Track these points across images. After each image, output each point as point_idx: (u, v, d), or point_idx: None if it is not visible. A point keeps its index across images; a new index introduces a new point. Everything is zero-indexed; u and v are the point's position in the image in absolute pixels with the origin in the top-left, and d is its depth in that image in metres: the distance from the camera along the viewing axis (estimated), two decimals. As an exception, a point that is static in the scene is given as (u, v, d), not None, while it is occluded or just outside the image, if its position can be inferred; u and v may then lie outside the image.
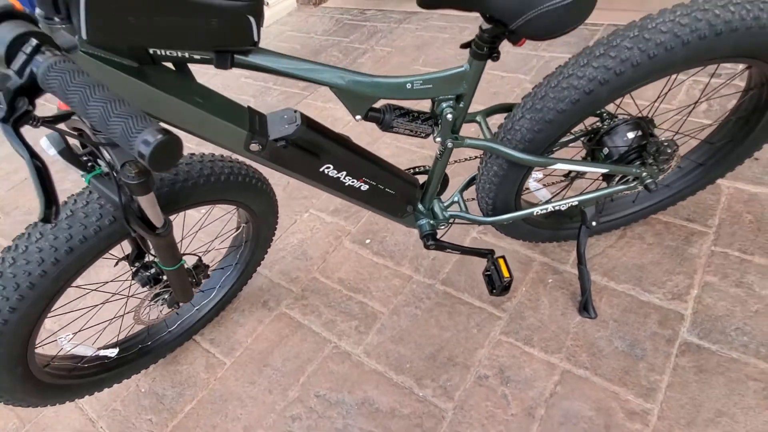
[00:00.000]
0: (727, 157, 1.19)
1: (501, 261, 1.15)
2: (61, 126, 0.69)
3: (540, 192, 1.24)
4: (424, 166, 1.16)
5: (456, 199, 1.18)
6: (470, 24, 2.65)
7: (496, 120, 1.78)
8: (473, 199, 1.25)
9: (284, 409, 1.21)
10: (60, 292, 0.84)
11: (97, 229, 0.81)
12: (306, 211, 1.75)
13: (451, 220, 1.17)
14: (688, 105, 1.33)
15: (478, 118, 0.99)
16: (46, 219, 0.49)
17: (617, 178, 1.11)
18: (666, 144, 1.00)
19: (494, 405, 1.13)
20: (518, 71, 2.18)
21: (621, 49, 0.82)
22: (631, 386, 1.10)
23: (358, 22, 2.99)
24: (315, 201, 1.78)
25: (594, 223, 1.16)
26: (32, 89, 0.45)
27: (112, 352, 1.18)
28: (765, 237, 1.32)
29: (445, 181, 1.16)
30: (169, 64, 0.70)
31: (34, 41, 0.43)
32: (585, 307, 1.24)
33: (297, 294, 1.47)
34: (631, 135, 1.02)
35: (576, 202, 1.11)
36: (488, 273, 1.19)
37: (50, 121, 0.61)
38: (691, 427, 1.02)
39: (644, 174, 1.05)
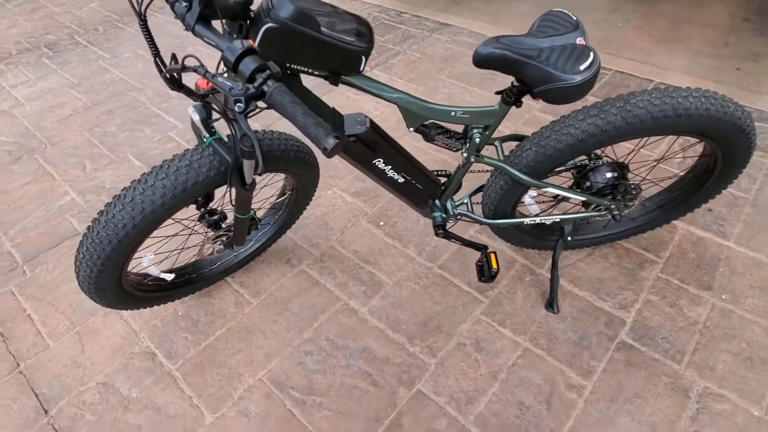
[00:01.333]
0: (682, 204, 1.50)
1: (492, 255, 1.45)
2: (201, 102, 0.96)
3: (532, 206, 1.54)
4: (445, 171, 1.44)
5: (465, 201, 1.47)
6: (495, 46, 2.92)
7: (508, 145, 2.08)
8: (479, 203, 1.54)
9: (299, 345, 1.49)
10: (164, 220, 1.11)
11: (205, 177, 1.07)
12: (330, 189, 2.02)
13: (458, 217, 1.45)
14: (656, 160, 1.64)
15: (496, 143, 1.28)
16: (256, 175, 0.77)
17: (592, 206, 1.41)
18: (632, 187, 1.30)
19: (467, 366, 1.43)
20: (531, 101, 2.46)
21: (609, 114, 1.11)
22: (575, 367, 1.41)
23: (394, 24, 3.23)
24: (339, 181, 2.05)
25: (570, 238, 1.47)
26: (257, 97, 0.72)
27: (169, 276, 1.45)
28: (701, 272, 1.65)
29: (458, 186, 1.45)
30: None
31: (269, 71, 0.69)
32: (551, 304, 1.54)
33: (316, 257, 1.75)
34: (609, 175, 1.32)
35: (558, 219, 1.41)
36: (480, 264, 1.49)
37: (202, 96, 0.89)
38: (613, 402, 1.33)
39: (613, 207, 1.36)
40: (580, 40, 0.95)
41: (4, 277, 1.72)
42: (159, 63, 0.80)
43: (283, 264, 1.73)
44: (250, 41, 0.70)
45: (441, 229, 1.40)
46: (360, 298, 1.62)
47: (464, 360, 1.44)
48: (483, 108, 1.11)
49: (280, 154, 1.21)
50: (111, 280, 1.16)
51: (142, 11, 0.75)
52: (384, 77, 2.69)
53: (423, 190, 1.31)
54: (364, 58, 0.89)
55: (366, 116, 1.09)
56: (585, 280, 1.64)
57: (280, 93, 0.68)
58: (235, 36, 0.84)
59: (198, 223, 1.37)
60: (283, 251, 1.78)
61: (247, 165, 1.04)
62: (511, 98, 1.06)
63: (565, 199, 1.51)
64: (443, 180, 1.40)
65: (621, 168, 1.34)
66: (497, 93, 1.09)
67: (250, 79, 0.69)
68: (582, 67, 0.91)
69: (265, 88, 0.69)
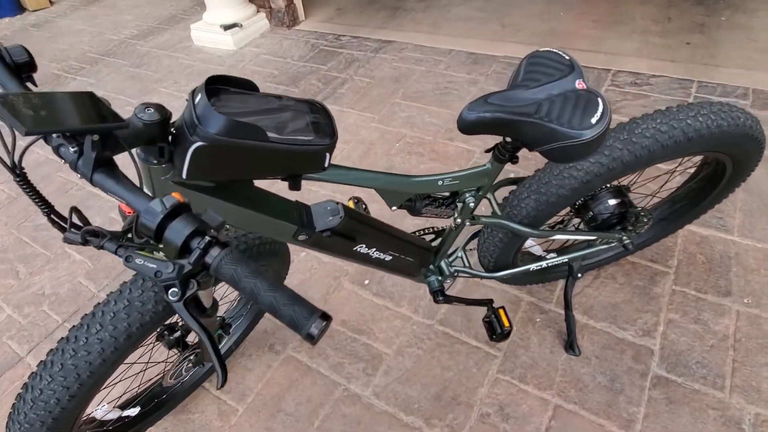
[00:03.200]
0: (688, 213, 1.39)
1: (501, 311, 1.28)
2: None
3: (534, 248, 1.39)
4: (433, 228, 1.27)
5: (460, 254, 1.30)
6: (443, 57, 2.79)
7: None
8: (472, 249, 1.38)
9: (303, 454, 1.28)
10: (113, 371, 0.88)
11: (153, 314, 0.86)
12: (302, 251, 1.81)
13: (456, 275, 1.28)
14: (666, 172, 1.51)
15: (488, 195, 1.12)
16: (222, 385, 0.59)
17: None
18: (642, 213, 1.17)
19: (498, 441, 1.26)
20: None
21: (613, 149, 0.96)
22: (614, 418, 1.26)
23: (334, 49, 3.05)
24: (310, 240, 1.85)
25: (580, 275, 1.32)
26: (198, 273, 0.52)
27: (134, 411, 1.21)
28: (715, 277, 1.54)
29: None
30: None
31: (207, 238, 0.50)
32: (570, 346, 1.40)
33: (302, 337, 1.54)
34: (612, 202, 1.18)
35: (566, 260, 1.26)
36: (488, 320, 1.32)
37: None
38: (665, 454, 1.19)
39: (624, 237, 1.22)
40: (580, 84, 0.80)
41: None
42: (56, 221, 0.59)
43: (266, 352, 1.52)
44: (176, 195, 0.51)
45: (440, 295, 1.22)
46: (360, 378, 1.42)
47: (492, 434, 1.27)
48: (474, 170, 0.94)
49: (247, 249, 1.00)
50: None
51: (17, 163, 0.53)
52: (335, 108, 2.50)
53: (414, 262, 1.13)
54: (328, 155, 0.71)
55: (338, 204, 0.90)
56: (599, 309, 1.50)
57: (231, 263, 0.49)
58: (155, 162, 0.64)
59: (157, 344, 1.15)
60: (264, 336, 1.56)
61: (203, 293, 0.84)
62: (505, 155, 0.90)
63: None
64: (435, 242, 1.22)
65: (622, 192, 1.20)
66: (487, 151, 0.93)
67: (184, 249, 0.50)
68: (593, 120, 0.75)
69: (208, 259, 0.50)
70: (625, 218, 1.19)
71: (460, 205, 1.00)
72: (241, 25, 3.18)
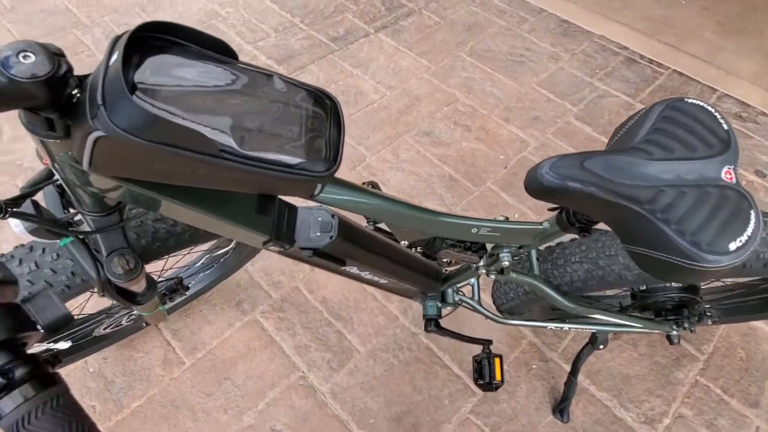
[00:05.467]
0: (752, 313, 1.13)
1: (497, 361, 1.09)
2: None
3: (559, 301, 1.16)
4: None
5: (472, 282, 1.09)
6: (531, 17, 2.37)
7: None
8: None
9: (236, 436, 1.17)
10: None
11: (65, 288, 0.68)
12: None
13: (459, 304, 1.08)
14: None
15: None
16: None
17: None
18: (709, 314, 0.93)
19: (446, 492, 1.13)
20: (566, 98, 1.99)
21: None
22: None
23: (410, -31, 2.62)
24: (316, 193, 1.63)
25: (602, 346, 1.11)
26: None
27: (65, 345, 1.08)
28: (749, 380, 1.32)
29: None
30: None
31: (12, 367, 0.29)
32: (561, 411, 1.22)
33: (275, 302, 1.38)
34: (680, 291, 0.93)
35: (595, 330, 1.05)
36: (479, 361, 1.14)
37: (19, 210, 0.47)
38: None
39: (673, 331, 0.99)
40: (728, 174, 0.53)
41: None
42: None
43: (233, 308, 1.37)
44: None
45: (433, 325, 1.02)
46: (322, 370, 1.28)
47: (443, 483, 1.14)
48: (524, 225, 0.69)
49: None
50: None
51: None
52: (390, 44, 2.17)
53: (415, 291, 0.92)
54: (320, 186, 0.48)
55: (332, 215, 0.68)
56: (606, 376, 1.31)
57: (42, 425, 0.28)
58: (43, 134, 0.40)
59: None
60: (235, 289, 1.40)
61: (133, 282, 0.64)
62: (574, 225, 0.65)
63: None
64: (448, 268, 1.00)
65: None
66: (551, 210, 0.68)
67: None
68: (734, 246, 0.50)
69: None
70: (686, 310, 0.95)
71: (490, 257, 0.76)
72: None
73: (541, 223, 0.71)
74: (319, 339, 1.33)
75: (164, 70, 0.41)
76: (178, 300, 1.19)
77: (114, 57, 0.36)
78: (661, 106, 0.58)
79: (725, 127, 0.56)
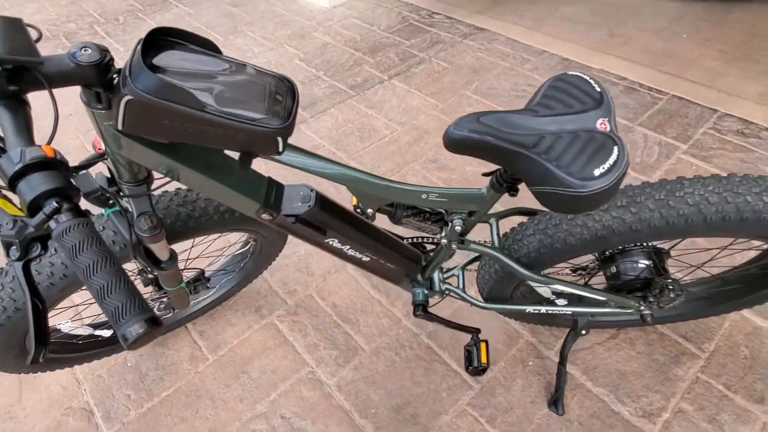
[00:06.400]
0: (739, 299, 1.17)
1: (483, 345, 1.18)
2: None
3: (541, 288, 1.25)
4: (432, 237, 1.17)
5: (457, 273, 1.20)
6: (533, 57, 2.57)
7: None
8: (473, 270, 1.27)
9: (249, 421, 1.29)
10: (62, 299, 0.91)
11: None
12: (319, 223, 1.79)
13: (446, 293, 1.19)
14: (719, 247, 1.29)
15: (491, 221, 1.00)
16: (34, 360, 0.49)
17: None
18: (671, 287, 0.99)
19: (441, 476, 1.18)
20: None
21: (642, 208, 0.81)
22: (574, 496, 1.13)
23: (423, 25, 2.93)
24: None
25: (584, 332, 1.17)
26: (46, 238, 0.49)
27: (107, 333, 1.27)
28: (753, 377, 1.31)
29: (449, 256, 1.18)
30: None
31: (54, 203, 0.46)
32: (555, 403, 1.26)
33: (290, 307, 1.53)
34: (642, 264, 1.01)
35: (570, 312, 1.12)
36: (469, 349, 1.22)
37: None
38: None
39: (643, 308, 1.05)
40: (602, 124, 0.66)
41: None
42: None
43: (252, 312, 1.53)
44: (44, 148, 0.48)
45: (420, 310, 1.14)
46: (330, 365, 1.39)
47: (438, 467, 1.19)
48: (464, 191, 0.84)
49: (219, 217, 0.98)
50: (10, 354, 0.98)
51: None
52: (402, 88, 2.41)
53: (396, 270, 1.05)
54: (280, 140, 0.65)
55: (312, 190, 0.84)
56: (603, 372, 1.34)
57: (74, 236, 0.45)
58: (96, 107, 0.61)
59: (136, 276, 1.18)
60: (255, 296, 1.57)
61: (157, 246, 0.83)
62: (502, 185, 0.78)
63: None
64: (429, 247, 1.13)
65: (658, 256, 1.03)
66: (485, 174, 0.82)
67: (34, 208, 0.46)
68: (598, 171, 0.62)
69: (53, 224, 0.46)
70: (650, 286, 1.03)
71: (447, 225, 0.90)
72: (339, -16, 3.14)
73: (480, 189, 0.84)
74: (328, 339, 1.45)
75: (170, 58, 0.61)
76: (202, 294, 1.37)
77: (137, 49, 0.57)
78: (549, 81, 0.73)
79: (598, 89, 0.70)
